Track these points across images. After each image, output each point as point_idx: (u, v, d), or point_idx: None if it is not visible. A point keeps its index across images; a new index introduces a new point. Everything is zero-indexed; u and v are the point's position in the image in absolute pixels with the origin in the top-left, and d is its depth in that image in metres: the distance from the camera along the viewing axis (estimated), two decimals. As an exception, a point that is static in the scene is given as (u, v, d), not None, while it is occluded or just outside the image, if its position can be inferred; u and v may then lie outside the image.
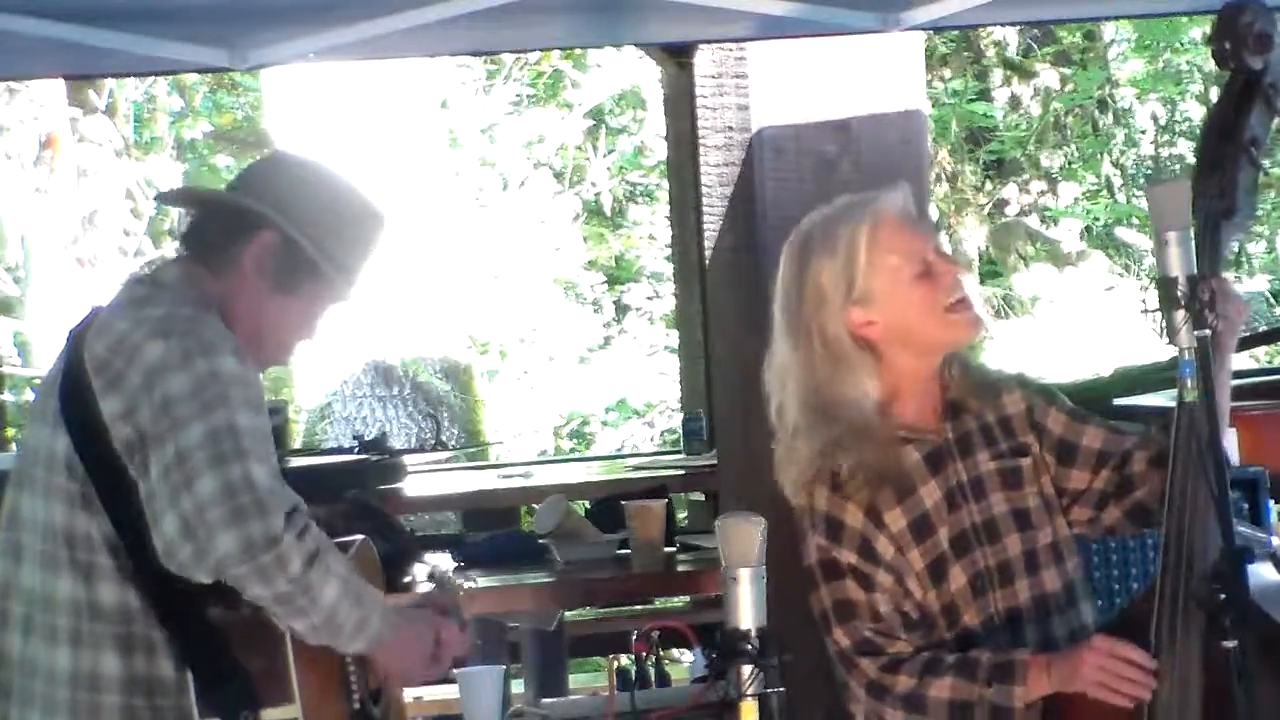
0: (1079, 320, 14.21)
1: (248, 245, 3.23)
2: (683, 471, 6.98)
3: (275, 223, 3.22)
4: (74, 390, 3.11)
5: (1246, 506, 4.70)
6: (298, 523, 2.96)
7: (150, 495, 3.01)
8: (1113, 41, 15.95)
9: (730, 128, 4.85)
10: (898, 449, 3.50)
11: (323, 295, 3.29)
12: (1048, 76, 15.67)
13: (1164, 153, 15.94)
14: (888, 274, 3.46)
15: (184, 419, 3.00)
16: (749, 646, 2.84)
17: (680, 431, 7.65)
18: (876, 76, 4.83)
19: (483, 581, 5.27)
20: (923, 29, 5.03)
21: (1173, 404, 3.29)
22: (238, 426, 3.00)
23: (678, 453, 7.66)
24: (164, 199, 3.51)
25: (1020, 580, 3.52)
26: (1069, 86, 15.62)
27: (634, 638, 3.29)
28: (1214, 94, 15.43)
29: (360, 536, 3.36)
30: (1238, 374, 3.61)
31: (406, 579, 5.04)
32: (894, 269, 3.46)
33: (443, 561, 3.58)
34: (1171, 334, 3.17)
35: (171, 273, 3.25)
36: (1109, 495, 3.55)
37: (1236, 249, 14.83)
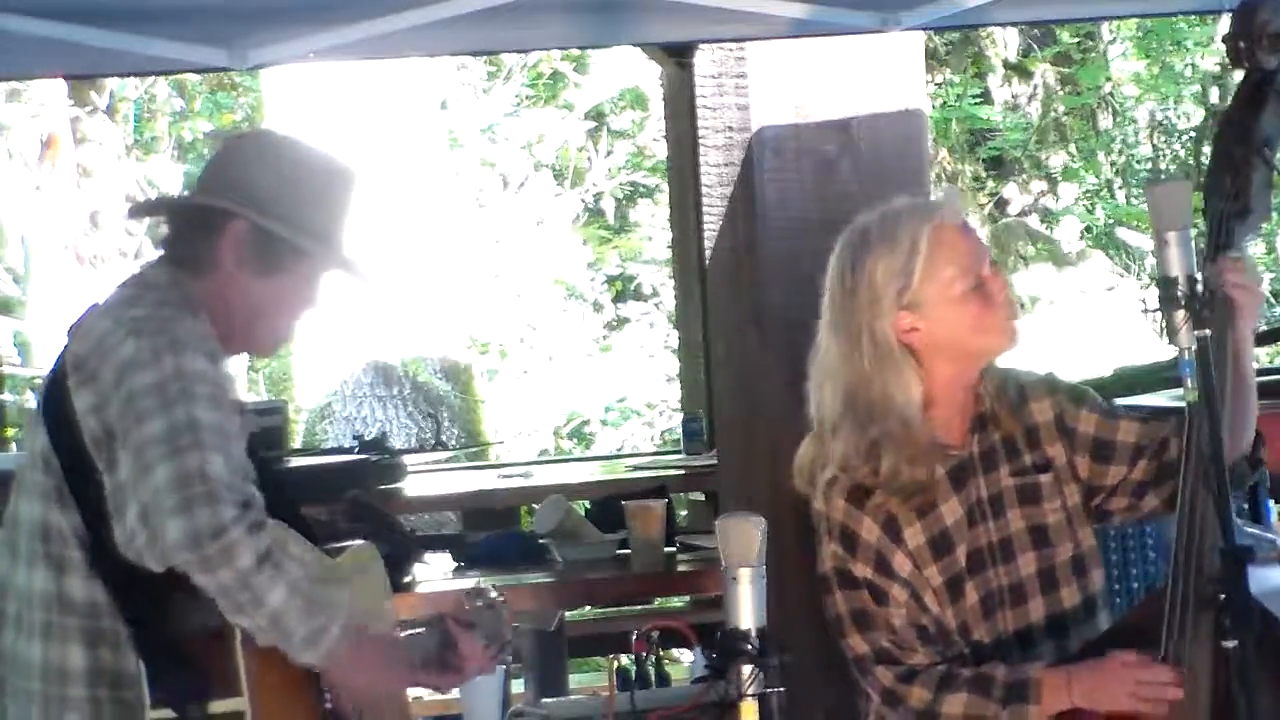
0: (1079, 320, 14.21)
1: (220, 240, 3.25)
2: (683, 471, 6.97)
3: (238, 212, 3.23)
4: (53, 387, 3.17)
5: (1246, 506, 4.70)
6: (249, 518, 2.98)
7: (116, 488, 3.05)
8: (1113, 40, 15.95)
9: (730, 128, 4.84)
10: (934, 461, 3.48)
11: (310, 267, 3.29)
12: (1048, 76, 15.68)
13: (1163, 153, 15.94)
14: (942, 284, 3.43)
15: (146, 413, 3.04)
16: (749, 646, 2.83)
17: (680, 431, 7.64)
18: (876, 76, 4.82)
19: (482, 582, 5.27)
20: (923, 29, 5.03)
21: (1173, 404, 3.29)
22: (198, 421, 3.02)
23: (678, 453, 7.65)
24: (133, 213, 3.52)
25: (1034, 599, 3.50)
26: (1068, 87, 15.62)
27: (634, 638, 3.29)
28: (1213, 95, 15.47)
29: (359, 541, 3.36)
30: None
31: (406, 579, 5.05)
32: (949, 280, 3.44)
33: (487, 585, 3.53)
34: (1171, 334, 3.17)
35: (158, 275, 3.29)
36: (1148, 484, 3.52)
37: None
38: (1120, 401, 5.72)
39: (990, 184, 15.86)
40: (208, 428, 3.03)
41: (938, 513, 3.48)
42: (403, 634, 3.35)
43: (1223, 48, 3.42)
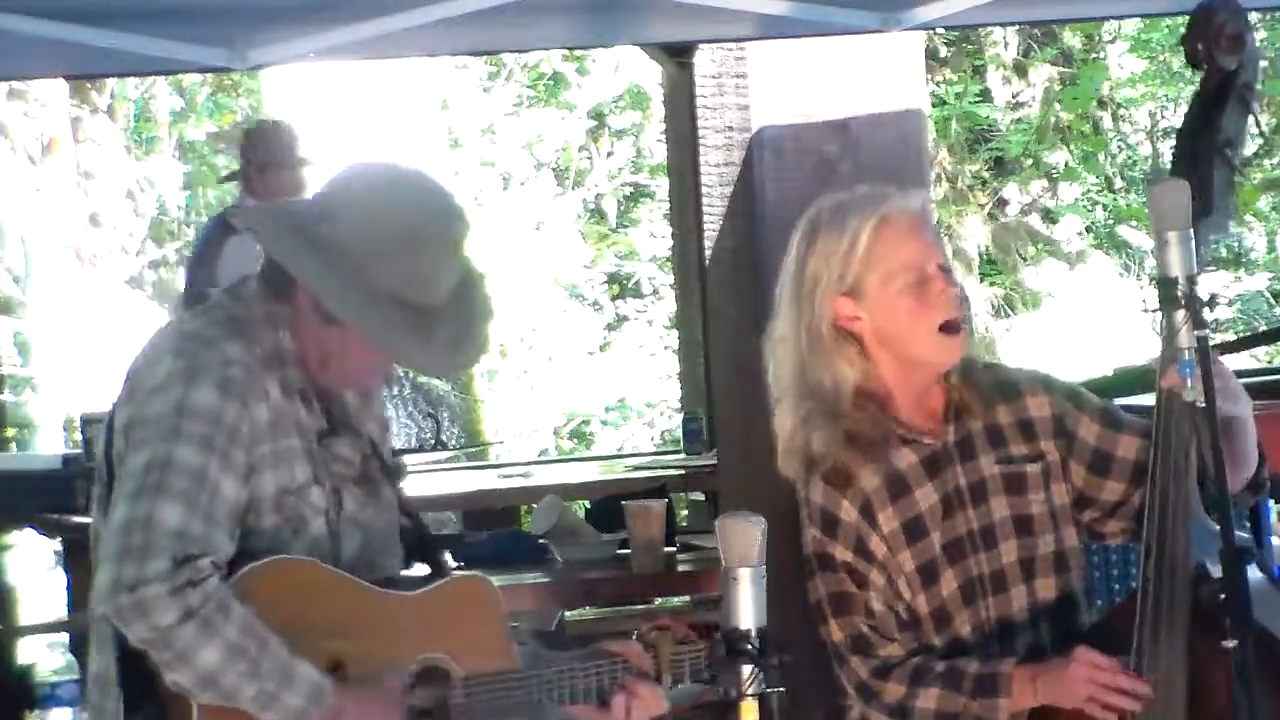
0: (1080, 319, 14.21)
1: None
2: (683, 471, 6.97)
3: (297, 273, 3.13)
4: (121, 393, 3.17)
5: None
6: (181, 575, 2.91)
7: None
8: (1114, 39, 15.95)
9: (730, 128, 4.84)
10: (885, 425, 3.48)
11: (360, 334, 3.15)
12: (1047, 76, 15.68)
13: (1163, 152, 15.94)
14: (882, 275, 3.44)
15: (137, 443, 3.03)
16: (749, 646, 2.83)
17: (680, 431, 7.65)
18: (876, 76, 4.83)
19: (482, 581, 5.26)
20: (923, 29, 5.04)
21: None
22: (173, 461, 2.99)
23: (678, 453, 7.65)
24: (235, 218, 3.40)
25: (1015, 588, 3.50)
26: (1068, 87, 15.63)
27: (634, 638, 3.27)
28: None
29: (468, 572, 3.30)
30: (1238, 373, 3.59)
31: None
32: (889, 272, 3.44)
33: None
34: (1171, 334, 3.16)
35: (250, 287, 3.23)
36: None
37: (1236, 247, 14.83)
38: (1120, 402, 5.73)
39: (991, 184, 15.86)
40: (180, 469, 2.98)
41: (911, 498, 3.49)
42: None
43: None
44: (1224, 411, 3.23)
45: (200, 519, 2.97)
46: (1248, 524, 4.69)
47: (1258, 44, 3.45)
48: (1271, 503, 4.98)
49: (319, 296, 3.11)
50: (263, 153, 7.43)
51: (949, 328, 3.46)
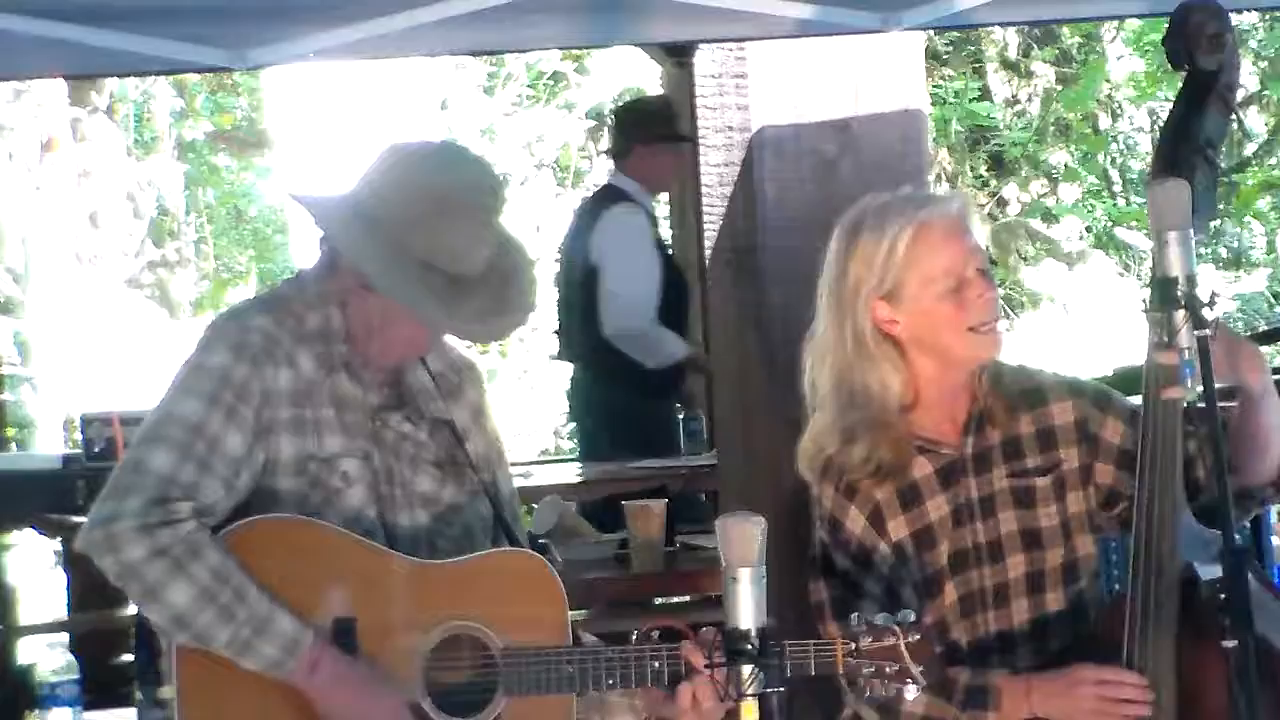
0: (1080, 319, 14.21)
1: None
2: (683, 471, 6.96)
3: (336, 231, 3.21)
4: None
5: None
6: (154, 514, 3.01)
7: None
8: (1114, 38, 15.96)
9: (730, 128, 4.84)
10: (909, 449, 3.48)
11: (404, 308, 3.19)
12: (1047, 76, 15.68)
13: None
14: (920, 279, 3.44)
15: (152, 410, 3.17)
16: (749, 646, 2.83)
17: (680, 431, 7.63)
18: (876, 76, 4.83)
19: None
20: (923, 29, 5.04)
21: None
22: (176, 413, 3.10)
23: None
24: (296, 199, 3.44)
25: (1019, 601, 3.50)
26: (1066, 86, 15.63)
27: (633, 638, 3.27)
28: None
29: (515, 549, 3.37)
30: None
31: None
32: (928, 277, 3.44)
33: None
34: (1171, 334, 3.16)
35: (314, 268, 3.31)
36: None
37: (1236, 247, 14.83)
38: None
39: (990, 183, 15.86)
40: (179, 421, 3.09)
41: (923, 508, 3.49)
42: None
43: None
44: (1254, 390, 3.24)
45: (193, 466, 3.06)
46: (1246, 525, 4.68)
47: (1256, 44, 3.45)
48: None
49: (355, 264, 3.17)
50: (638, 129, 7.39)
51: (979, 327, 3.45)
